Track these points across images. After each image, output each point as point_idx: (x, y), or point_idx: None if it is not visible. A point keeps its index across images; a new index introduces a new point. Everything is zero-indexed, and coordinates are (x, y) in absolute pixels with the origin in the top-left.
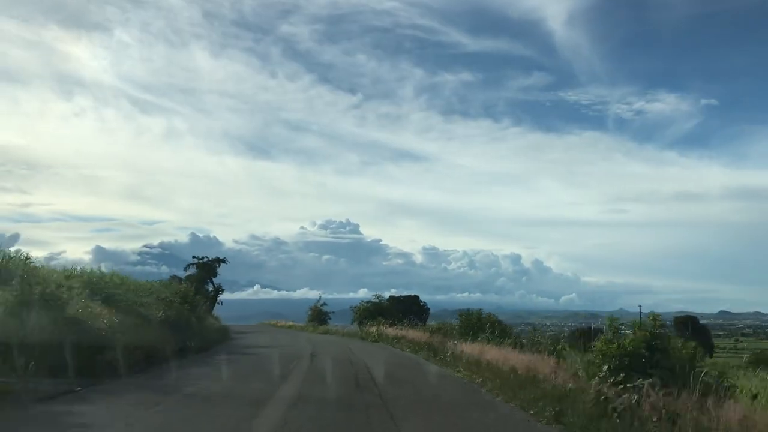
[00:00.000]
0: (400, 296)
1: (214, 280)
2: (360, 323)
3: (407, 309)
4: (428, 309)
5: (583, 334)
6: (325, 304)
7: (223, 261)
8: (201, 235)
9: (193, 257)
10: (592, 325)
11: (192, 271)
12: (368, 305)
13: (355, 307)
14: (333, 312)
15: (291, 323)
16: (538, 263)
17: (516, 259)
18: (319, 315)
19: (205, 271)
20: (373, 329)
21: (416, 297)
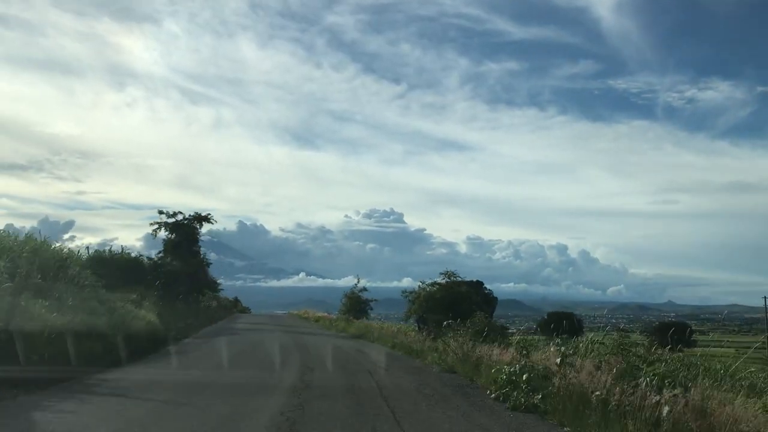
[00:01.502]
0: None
1: (194, 249)
2: (420, 320)
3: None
4: (495, 298)
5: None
6: (364, 289)
7: (207, 219)
8: (248, 223)
9: (160, 212)
10: None
11: (164, 235)
12: (435, 290)
13: (410, 293)
14: (375, 300)
15: (321, 314)
16: (584, 254)
17: (562, 249)
18: (356, 304)
19: (181, 235)
20: (502, 356)
21: (480, 283)
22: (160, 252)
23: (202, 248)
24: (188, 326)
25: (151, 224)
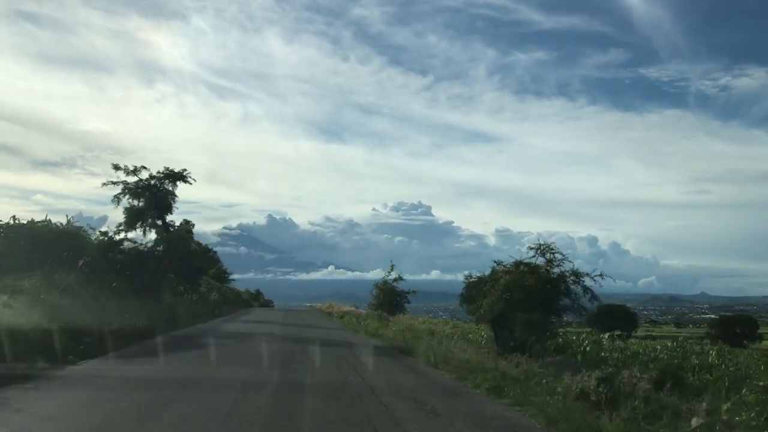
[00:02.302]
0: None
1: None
2: (498, 322)
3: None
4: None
5: None
6: (400, 278)
7: (183, 178)
8: (277, 217)
9: (116, 167)
10: None
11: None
12: (522, 273)
13: (476, 279)
14: (413, 292)
15: (348, 308)
16: (615, 246)
17: (592, 241)
18: (390, 297)
19: (148, 200)
20: None
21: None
22: (120, 225)
23: (192, 223)
24: (128, 331)
25: (104, 184)
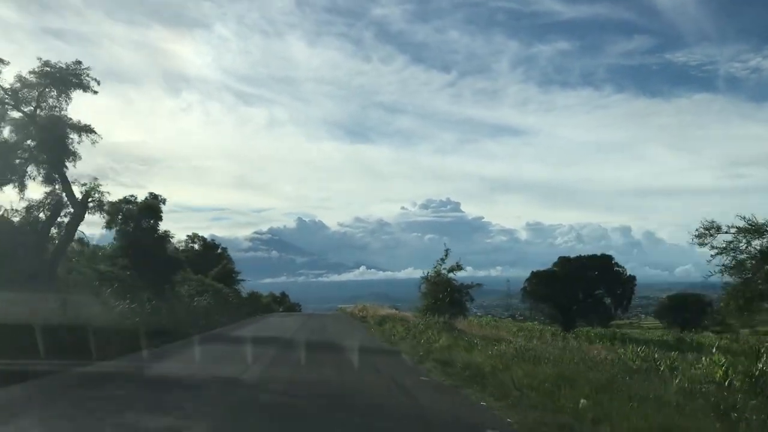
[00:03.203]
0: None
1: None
2: None
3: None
4: (632, 278)
5: None
6: (458, 266)
7: (79, 81)
8: (307, 219)
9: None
10: None
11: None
12: None
13: None
14: (478, 285)
15: (388, 311)
16: (649, 234)
17: (626, 230)
18: (449, 291)
19: (26, 126)
20: None
21: (608, 257)
22: None
23: (161, 198)
24: None
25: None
